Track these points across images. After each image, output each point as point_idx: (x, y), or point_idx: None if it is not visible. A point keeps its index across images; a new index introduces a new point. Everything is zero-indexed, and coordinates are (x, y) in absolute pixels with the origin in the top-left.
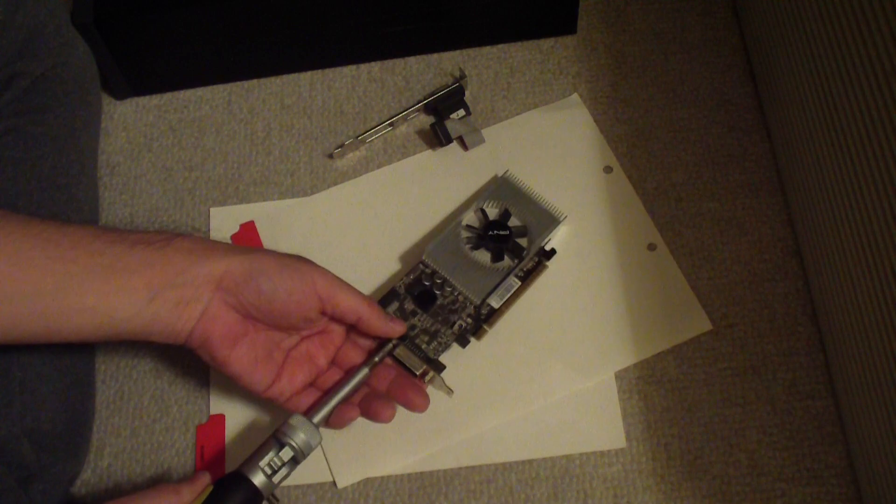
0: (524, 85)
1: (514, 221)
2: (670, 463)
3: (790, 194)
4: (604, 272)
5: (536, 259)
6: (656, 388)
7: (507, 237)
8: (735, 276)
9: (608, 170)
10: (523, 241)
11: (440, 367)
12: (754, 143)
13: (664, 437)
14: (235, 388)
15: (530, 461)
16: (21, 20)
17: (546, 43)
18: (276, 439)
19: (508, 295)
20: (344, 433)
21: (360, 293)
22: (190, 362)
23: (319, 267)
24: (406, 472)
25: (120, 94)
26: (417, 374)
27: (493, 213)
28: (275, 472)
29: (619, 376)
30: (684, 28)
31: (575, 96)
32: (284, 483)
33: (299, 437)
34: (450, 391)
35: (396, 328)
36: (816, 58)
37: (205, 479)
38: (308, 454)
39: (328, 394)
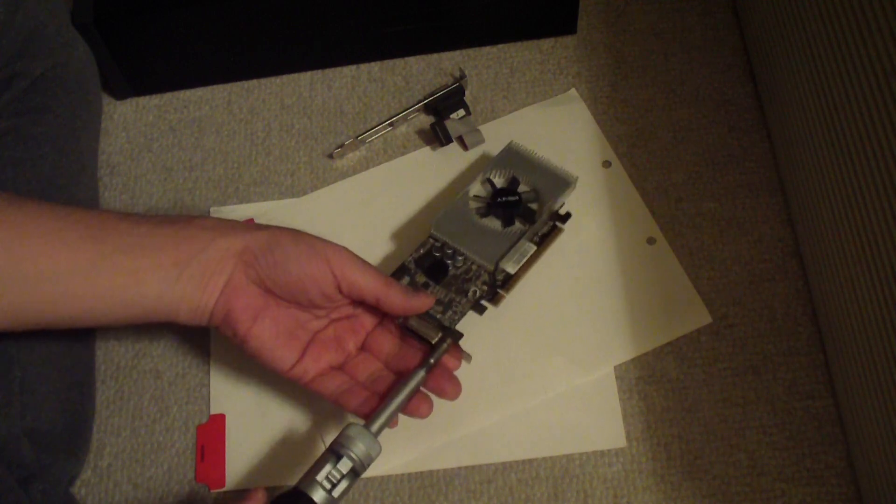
0: (524, 85)
1: (522, 188)
2: (670, 463)
3: (790, 194)
4: (603, 266)
5: (551, 224)
6: (656, 387)
7: (517, 202)
8: (735, 276)
9: (607, 164)
10: (534, 206)
11: (458, 336)
12: (754, 143)
13: (664, 437)
14: (236, 387)
15: (530, 461)
16: (21, 20)
17: (546, 43)
18: (333, 451)
19: (524, 260)
20: None
21: (377, 272)
22: (190, 362)
23: (335, 245)
24: (406, 471)
25: (120, 94)
26: (433, 342)
27: (500, 182)
28: (334, 485)
29: (620, 376)
30: (684, 28)
31: (572, 91)
32: (287, 482)
33: (358, 448)
34: (468, 357)
35: (422, 302)
36: (816, 58)
37: (260, 497)
38: (368, 465)
39: (385, 401)
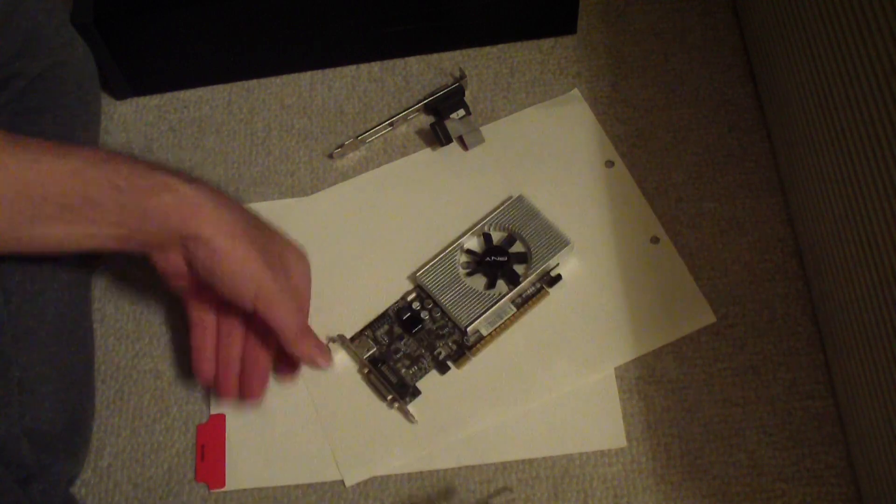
0: (524, 85)
1: (517, 248)
2: (670, 463)
3: (790, 194)
4: (607, 266)
5: (539, 285)
6: (656, 388)
7: (504, 263)
8: (735, 276)
9: (609, 164)
10: (521, 269)
11: (416, 393)
12: (754, 143)
13: (664, 437)
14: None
15: (530, 461)
16: (20, 20)
17: (546, 43)
18: None
19: (500, 322)
20: (349, 432)
21: (297, 313)
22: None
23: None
24: (406, 471)
25: (120, 94)
26: (386, 400)
27: (497, 236)
28: None
29: (620, 376)
30: (684, 28)
31: (575, 91)
32: (287, 482)
33: None
34: (413, 419)
35: (318, 361)
36: (816, 58)
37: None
38: None
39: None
